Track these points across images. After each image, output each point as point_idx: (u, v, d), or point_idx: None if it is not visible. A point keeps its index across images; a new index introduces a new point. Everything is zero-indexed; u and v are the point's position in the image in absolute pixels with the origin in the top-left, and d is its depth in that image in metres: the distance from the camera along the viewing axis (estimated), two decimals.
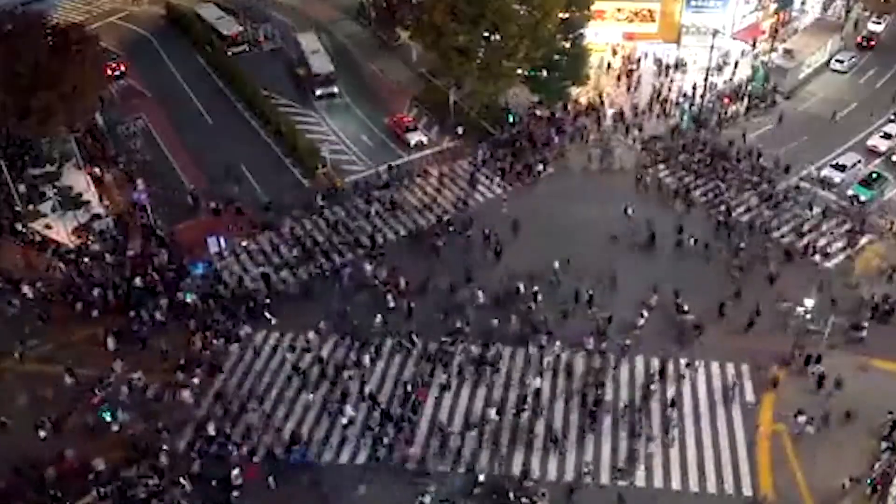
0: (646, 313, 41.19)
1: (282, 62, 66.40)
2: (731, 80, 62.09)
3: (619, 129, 56.84)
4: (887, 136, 55.23)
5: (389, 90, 62.73)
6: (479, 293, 42.46)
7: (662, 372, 38.94)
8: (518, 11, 52.47)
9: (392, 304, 42.18)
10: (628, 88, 61.52)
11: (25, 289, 42.85)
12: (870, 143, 55.03)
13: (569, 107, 58.37)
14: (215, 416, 36.68)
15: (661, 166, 53.29)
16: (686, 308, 41.48)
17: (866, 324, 40.77)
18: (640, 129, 56.52)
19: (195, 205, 49.54)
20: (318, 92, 60.17)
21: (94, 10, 75.27)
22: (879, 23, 69.08)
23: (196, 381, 38.36)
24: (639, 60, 63.92)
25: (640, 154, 54.34)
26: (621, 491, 33.56)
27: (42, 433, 35.37)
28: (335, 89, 60.41)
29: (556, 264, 43.84)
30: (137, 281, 43.21)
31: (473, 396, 38.08)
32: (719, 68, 61.78)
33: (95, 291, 42.56)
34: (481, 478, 33.97)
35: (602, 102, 59.26)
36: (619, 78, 62.76)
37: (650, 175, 52.26)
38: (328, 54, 62.43)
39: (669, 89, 60.80)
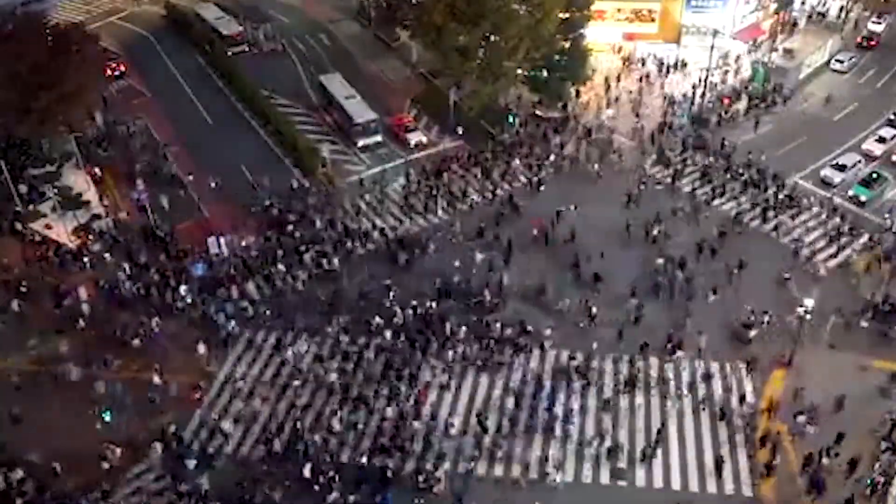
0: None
1: (282, 62, 66.41)
2: (730, 80, 62.15)
3: (618, 131, 56.85)
4: (882, 140, 55.16)
5: (389, 90, 62.73)
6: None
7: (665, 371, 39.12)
8: (518, 11, 52.45)
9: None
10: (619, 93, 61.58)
11: (84, 303, 42.41)
12: (864, 146, 54.93)
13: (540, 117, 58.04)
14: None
15: (659, 167, 53.41)
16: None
17: (865, 324, 41.03)
18: (642, 129, 56.60)
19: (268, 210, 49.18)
20: (361, 143, 54.92)
21: (94, 10, 75.20)
22: (879, 23, 69.02)
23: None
24: (640, 61, 63.92)
25: (639, 155, 54.39)
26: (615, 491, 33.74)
27: (106, 465, 34.52)
28: (379, 137, 55.41)
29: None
30: (182, 289, 42.97)
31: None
32: (719, 68, 61.89)
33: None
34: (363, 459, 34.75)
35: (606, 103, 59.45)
36: (618, 79, 62.69)
37: (649, 176, 52.43)
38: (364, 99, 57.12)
39: (667, 89, 60.91)
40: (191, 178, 50.91)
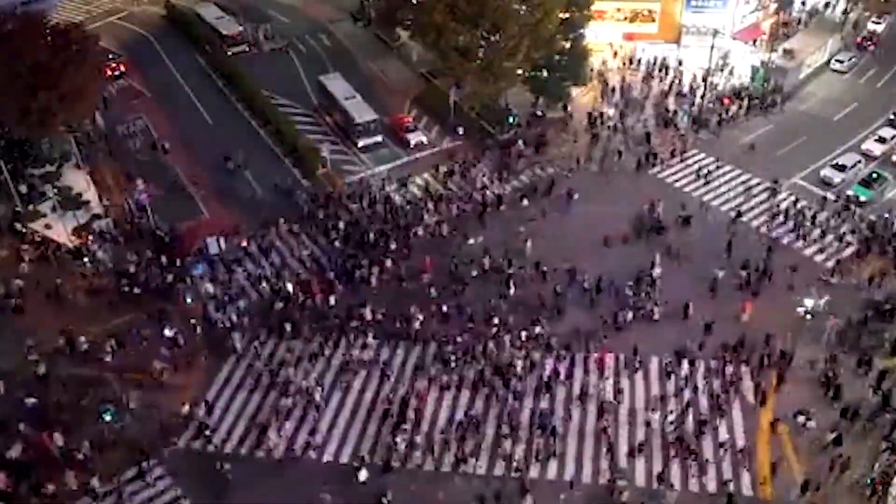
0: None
1: (282, 62, 66.40)
2: (728, 80, 62.15)
3: (618, 130, 56.85)
4: (882, 140, 55.15)
5: (389, 90, 62.71)
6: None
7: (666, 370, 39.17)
8: (518, 11, 52.45)
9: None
10: (620, 90, 61.49)
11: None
12: (864, 146, 54.94)
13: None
14: None
15: (660, 167, 53.49)
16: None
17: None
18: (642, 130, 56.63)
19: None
20: (362, 143, 55.02)
21: (94, 10, 75.06)
22: (879, 23, 69.00)
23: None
24: (639, 61, 63.94)
25: (640, 155, 54.36)
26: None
27: None
28: (380, 138, 55.63)
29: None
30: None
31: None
32: (720, 68, 61.85)
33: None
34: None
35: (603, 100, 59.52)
36: (618, 79, 62.64)
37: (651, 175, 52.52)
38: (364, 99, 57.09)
39: (669, 89, 60.89)
40: (196, 186, 51.18)
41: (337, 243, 46.99)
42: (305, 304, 42.90)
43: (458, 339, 40.44)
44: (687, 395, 38.13)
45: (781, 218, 48.32)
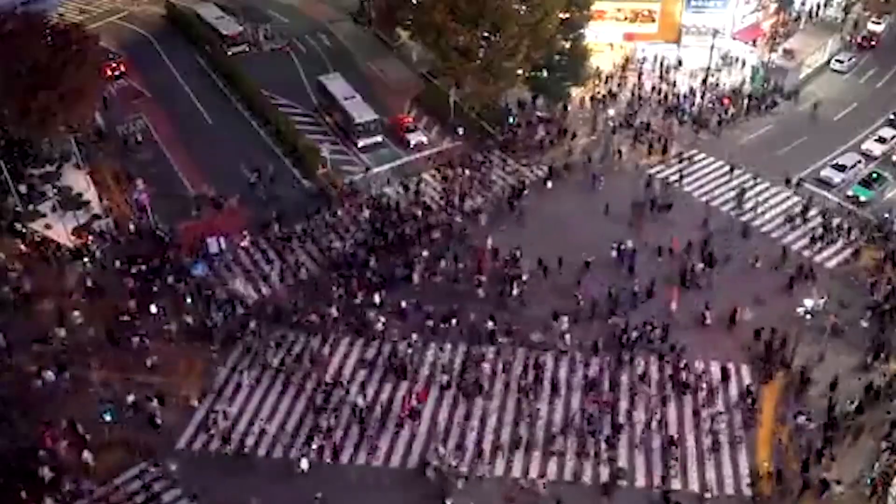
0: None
1: (282, 62, 66.42)
2: (728, 80, 62.17)
3: (618, 130, 56.83)
4: (882, 140, 55.17)
5: (389, 90, 62.72)
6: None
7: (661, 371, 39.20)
8: (518, 11, 52.46)
9: None
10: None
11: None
12: (864, 146, 54.97)
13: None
14: None
15: (661, 166, 53.48)
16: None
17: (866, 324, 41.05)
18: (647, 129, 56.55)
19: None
20: (362, 143, 55.06)
21: (94, 10, 75.10)
22: (879, 23, 68.96)
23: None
24: (641, 61, 63.88)
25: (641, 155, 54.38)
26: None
27: None
28: (380, 138, 55.67)
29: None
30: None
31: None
32: (719, 68, 61.85)
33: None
34: None
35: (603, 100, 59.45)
36: (617, 80, 62.62)
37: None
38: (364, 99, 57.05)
39: (668, 90, 60.89)
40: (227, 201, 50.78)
41: (360, 237, 47.04)
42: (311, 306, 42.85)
43: (503, 340, 40.56)
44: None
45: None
